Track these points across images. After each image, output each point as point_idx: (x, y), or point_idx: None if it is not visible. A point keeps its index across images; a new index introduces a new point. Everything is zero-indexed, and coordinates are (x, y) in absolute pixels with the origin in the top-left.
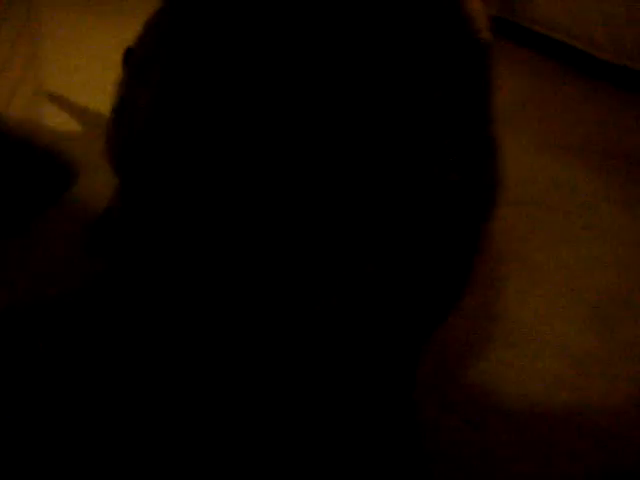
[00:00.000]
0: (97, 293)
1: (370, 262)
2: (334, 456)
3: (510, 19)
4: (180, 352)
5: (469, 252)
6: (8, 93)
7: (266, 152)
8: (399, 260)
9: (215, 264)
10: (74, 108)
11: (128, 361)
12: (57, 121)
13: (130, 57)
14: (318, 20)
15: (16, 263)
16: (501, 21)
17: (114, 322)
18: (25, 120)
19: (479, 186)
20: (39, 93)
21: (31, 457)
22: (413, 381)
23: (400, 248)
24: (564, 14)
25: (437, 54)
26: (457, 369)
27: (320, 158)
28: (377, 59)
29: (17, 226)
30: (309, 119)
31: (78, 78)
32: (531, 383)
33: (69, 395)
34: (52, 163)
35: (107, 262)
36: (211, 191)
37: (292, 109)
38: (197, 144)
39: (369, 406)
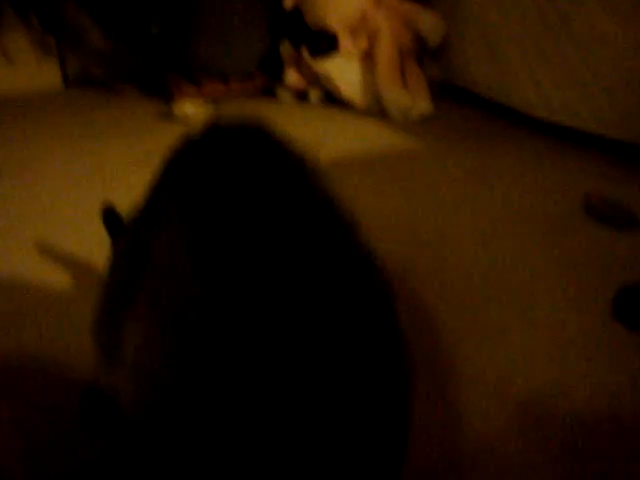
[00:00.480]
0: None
1: None
2: None
3: (454, 83)
4: None
5: None
6: None
7: None
8: None
9: None
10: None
11: None
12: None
13: (118, 240)
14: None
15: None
16: (447, 85)
17: None
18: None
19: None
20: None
21: None
22: None
23: None
24: (499, 78)
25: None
26: None
27: None
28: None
29: None
30: None
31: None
32: None
33: None
34: None
35: (103, 438)
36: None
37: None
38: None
39: None
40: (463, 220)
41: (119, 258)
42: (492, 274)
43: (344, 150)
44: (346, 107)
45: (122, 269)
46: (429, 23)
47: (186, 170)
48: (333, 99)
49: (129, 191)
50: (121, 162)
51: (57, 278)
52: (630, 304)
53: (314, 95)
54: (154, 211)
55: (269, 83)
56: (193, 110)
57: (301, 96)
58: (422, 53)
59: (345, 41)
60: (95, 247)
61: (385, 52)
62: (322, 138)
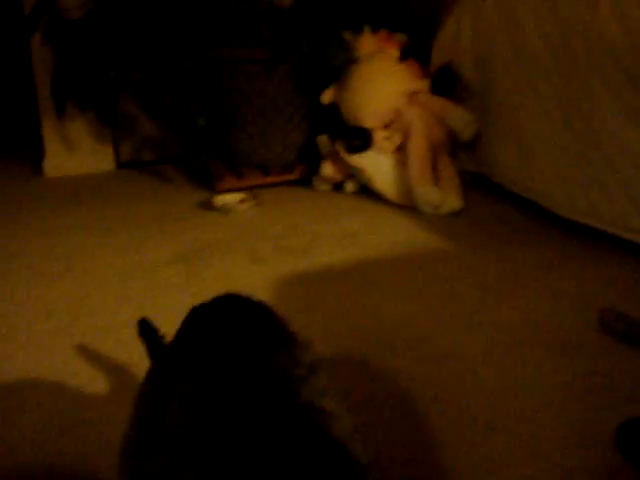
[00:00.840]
0: None
1: None
2: None
3: (485, 176)
4: None
5: None
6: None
7: None
8: None
9: None
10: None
11: None
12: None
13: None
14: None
15: None
16: (478, 176)
17: None
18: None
19: None
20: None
21: None
22: None
23: None
24: (527, 174)
25: None
26: None
27: None
28: None
29: None
30: None
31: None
32: None
33: None
34: None
35: None
36: None
37: None
38: None
39: None
40: (478, 335)
41: (141, 407)
42: (500, 398)
43: (375, 244)
44: (379, 199)
45: (143, 419)
46: (461, 120)
47: (191, 337)
48: (368, 190)
49: (166, 287)
50: (161, 258)
51: (97, 385)
52: (633, 438)
53: (349, 186)
54: (170, 368)
55: (307, 173)
56: (234, 201)
57: (337, 186)
58: (455, 146)
59: (379, 137)
60: (134, 351)
61: (417, 148)
62: (354, 231)
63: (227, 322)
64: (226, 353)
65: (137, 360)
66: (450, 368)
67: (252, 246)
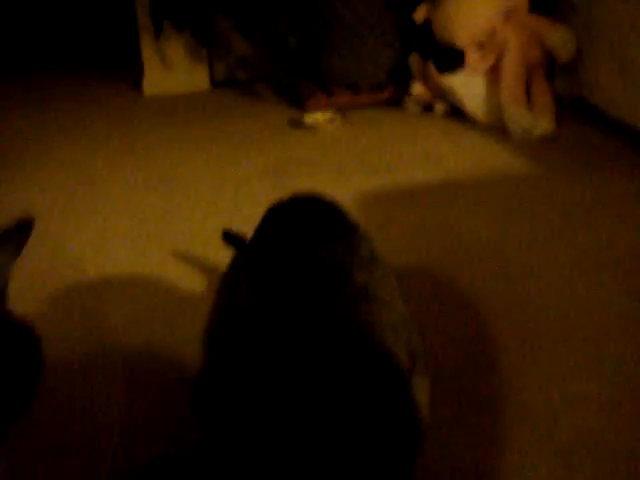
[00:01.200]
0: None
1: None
2: None
3: (584, 100)
4: None
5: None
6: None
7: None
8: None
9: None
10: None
11: None
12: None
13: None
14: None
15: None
16: (576, 101)
17: None
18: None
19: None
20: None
21: None
22: None
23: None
24: (630, 99)
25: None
26: None
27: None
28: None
29: None
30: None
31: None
32: None
33: None
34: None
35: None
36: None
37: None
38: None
39: None
40: (556, 257)
41: (220, 293)
42: (570, 318)
43: (460, 166)
44: (469, 122)
45: (226, 296)
46: (560, 39)
47: (267, 234)
48: (458, 112)
49: (254, 199)
50: (251, 172)
51: (187, 283)
52: None
53: (439, 107)
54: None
55: (397, 93)
56: (323, 119)
57: (427, 108)
58: (553, 68)
59: (472, 57)
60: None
61: (511, 69)
62: (440, 152)
63: (296, 217)
64: (292, 243)
65: (223, 263)
66: (524, 286)
67: (338, 163)
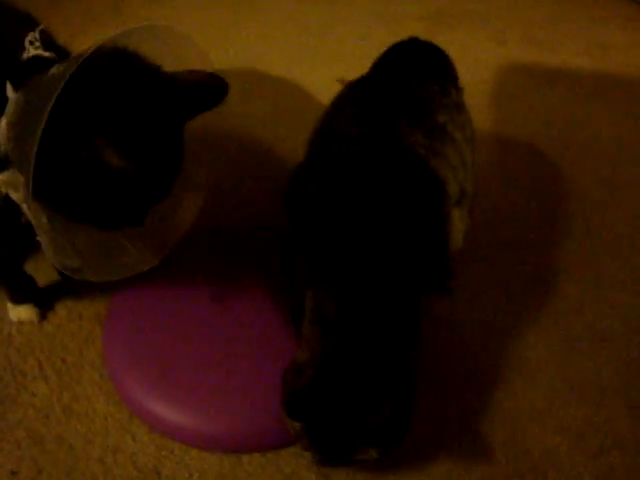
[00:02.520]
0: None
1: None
2: None
3: None
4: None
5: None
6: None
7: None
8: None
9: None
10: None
11: None
12: None
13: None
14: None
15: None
16: None
17: None
18: None
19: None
20: None
21: None
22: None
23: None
24: None
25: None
26: None
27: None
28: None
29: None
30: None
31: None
32: None
33: None
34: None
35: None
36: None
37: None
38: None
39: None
40: None
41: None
42: None
43: (628, 57)
44: None
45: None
46: None
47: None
48: None
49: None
50: (414, 13)
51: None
52: None
53: None
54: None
55: None
56: None
57: None
58: None
59: None
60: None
61: None
62: (608, 41)
63: (404, 56)
64: (392, 78)
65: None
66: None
67: (502, 29)
